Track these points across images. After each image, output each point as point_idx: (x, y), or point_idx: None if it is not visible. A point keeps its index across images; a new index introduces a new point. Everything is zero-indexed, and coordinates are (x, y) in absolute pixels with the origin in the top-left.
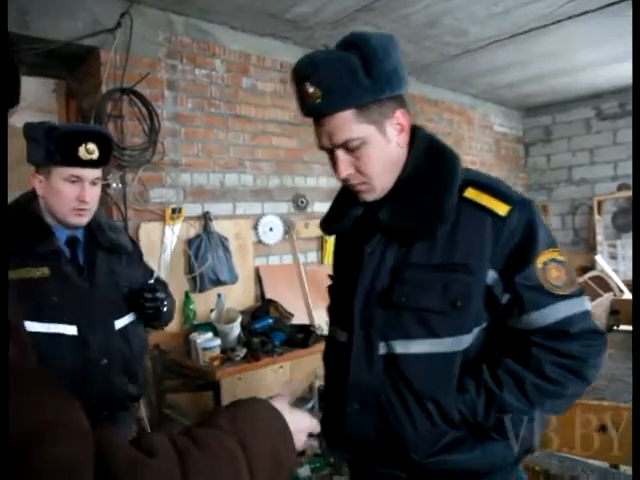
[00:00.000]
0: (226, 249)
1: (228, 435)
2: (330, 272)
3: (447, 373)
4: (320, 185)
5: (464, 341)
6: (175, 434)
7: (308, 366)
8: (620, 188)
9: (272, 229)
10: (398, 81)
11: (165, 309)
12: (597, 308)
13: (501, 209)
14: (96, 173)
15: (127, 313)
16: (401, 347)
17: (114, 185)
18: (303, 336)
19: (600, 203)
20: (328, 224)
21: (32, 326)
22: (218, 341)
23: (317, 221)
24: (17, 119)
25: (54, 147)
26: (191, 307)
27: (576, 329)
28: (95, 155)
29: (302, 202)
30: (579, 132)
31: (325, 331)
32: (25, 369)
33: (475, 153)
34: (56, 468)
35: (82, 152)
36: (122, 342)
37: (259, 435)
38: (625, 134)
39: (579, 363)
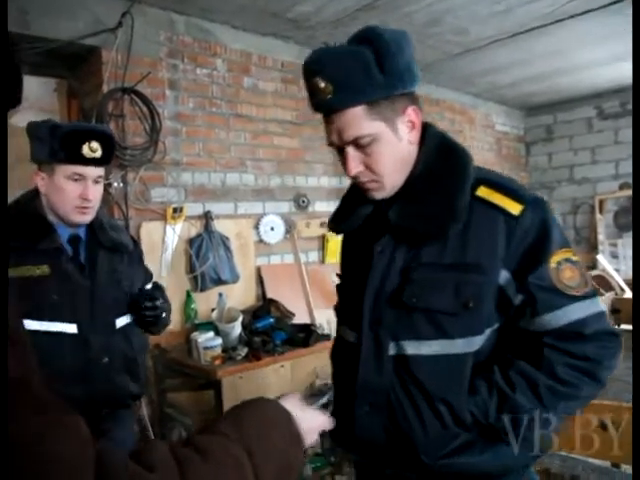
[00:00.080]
0: (227, 248)
1: (233, 442)
2: (336, 271)
3: (458, 374)
4: (321, 185)
5: (476, 342)
6: (176, 444)
7: (309, 365)
8: (622, 187)
9: (273, 228)
10: (411, 78)
11: (164, 315)
12: None
13: (514, 208)
14: (99, 171)
15: (128, 312)
16: (412, 348)
17: (115, 184)
18: (304, 335)
19: (601, 202)
20: (336, 223)
21: (32, 325)
22: (219, 340)
23: (318, 221)
24: (18, 119)
25: (58, 145)
26: (192, 306)
27: (590, 330)
28: (98, 153)
29: (303, 202)
30: (580, 131)
31: (326, 330)
32: (24, 379)
33: (476, 152)
34: (57, 465)
35: (86, 150)
36: (123, 341)
37: (266, 440)
38: (626, 133)
39: (594, 365)
